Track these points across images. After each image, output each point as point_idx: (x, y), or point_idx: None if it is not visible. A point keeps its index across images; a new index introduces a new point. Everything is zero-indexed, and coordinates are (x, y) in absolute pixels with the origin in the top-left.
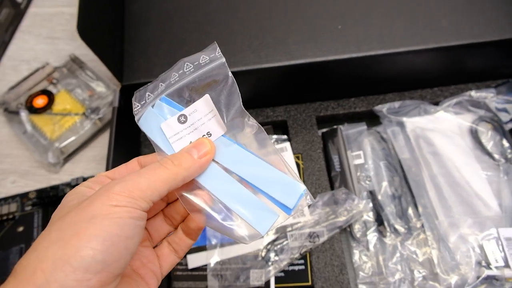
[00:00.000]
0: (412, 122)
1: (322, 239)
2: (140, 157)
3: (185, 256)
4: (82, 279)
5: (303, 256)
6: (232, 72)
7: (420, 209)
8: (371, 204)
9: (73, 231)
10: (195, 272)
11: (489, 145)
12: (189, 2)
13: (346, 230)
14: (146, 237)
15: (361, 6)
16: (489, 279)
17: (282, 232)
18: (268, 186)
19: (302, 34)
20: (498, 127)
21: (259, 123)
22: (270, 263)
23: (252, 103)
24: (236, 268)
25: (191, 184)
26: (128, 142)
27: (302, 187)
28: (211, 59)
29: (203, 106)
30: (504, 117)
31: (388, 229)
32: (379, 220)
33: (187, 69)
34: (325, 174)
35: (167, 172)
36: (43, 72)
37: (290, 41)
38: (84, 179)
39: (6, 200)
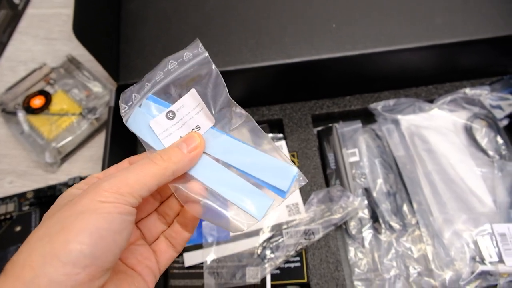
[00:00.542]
0: (407, 120)
1: (317, 236)
2: (132, 157)
3: (181, 254)
4: (71, 273)
5: (298, 253)
6: (229, 71)
7: (415, 206)
8: (366, 201)
9: (61, 226)
10: (191, 270)
11: (483, 142)
12: (185, 1)
13: (342, 227)
14: (140, 236)
15: (356, 5)
16: (483, 274)
17: (277, 230)
18: (260, 172)
19: (298, 33)
20: (493, 124)
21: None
22: (266, 261)
23: (247, 102)
24: (232, 266)
25: (185, 177)
26: (124, 141)
27: (295, 169)
28: (194, 55)
29: (190, 100)
30: (498, 114)
31: (383, 226)
32: (374, 217)
33: (172, 67)
34: (321, 172)
35: (156, 167)
36: (40, 72)
37: (285, 40)
38: (81, 179)
39: (3, 200)
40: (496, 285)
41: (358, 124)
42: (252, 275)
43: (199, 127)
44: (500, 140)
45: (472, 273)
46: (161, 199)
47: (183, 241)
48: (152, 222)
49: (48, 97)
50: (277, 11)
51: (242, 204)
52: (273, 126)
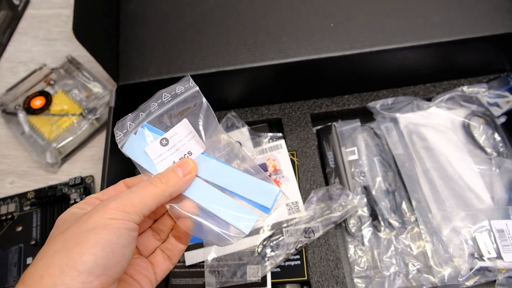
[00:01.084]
0: (405, 118)
1: (317, 235)
2: (126, 179)
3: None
4: (86, 281)
5: (298, 252)
6: (228, 71)
7: (413, 203)
8: (365, 200)
9: (76, 241)
10: (192, 269)
11: (481, 139)
12: (184, 1)
13: (341, 225)
14: (136, 251)
15: (353, 4)
16: (482, 270)
17: (277, 228)
18: (247, 191)
19: (296, 33)
20: (490, 121)
21: (254, 121)
22: (266, 259)
23: (247, 102)
24: (233, 264)
25: (178, 197)
26: None
27: (277, 189)
28: (186, 88)
29: (182, 129)
30: (495, 111)
31: (382, 223)
32: (374, 215)
33: (165, 99)
34: (320, 171)
35: (155, 189)
36: (40, 73)
37: (284, 39)
38: (82, 179)
39: (4, 200)
40: (495, 281)
41: (357, 123)
42: (252, 273)
43: (191, 153)
44: (497, 137)
45: (471, 269)
46: (155, 217)
47: (179, 253)
48: (146, 238)
49: (48, 97)
50: (276, 11)
51: (231, 219)
52: (273, 125)
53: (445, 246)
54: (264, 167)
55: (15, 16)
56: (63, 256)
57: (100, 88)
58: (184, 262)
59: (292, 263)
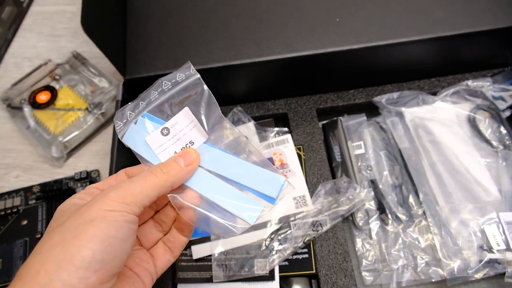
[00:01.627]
0: (411, 112)
1: (325, 228)
2: (127, 168)
3: (189, 247)
4: (83, 277)
5: (306, 245)
6: (234, 65)
7: (421, 196)
8: (372, 193)
9: (74, 234)
10: (199, 263)
11: (487, 133)
12: None
13: (349, 219)
14: (136, 242)
15: None
16: (491, 262)
17: (285, 222)
18: (251, 181)
19: (302, 27)
20: (496, 115)
21: (260, 116)
22: (274, 252)
23: (253, 96)
24: (241, 258)
25: (181, 187)
26: None
27: (282, 178)
28: (186, 76)
29: (184, 118)
30: (501, 105)
31: (390, 217)
32: (381, 209)
33: (166, 87)
34: (327, 165)
35: (156, 179)
36: (45, 68)
37: (290, 33)
38: (88, 173)
39: (10, 194)
40: (504, 273)
41: (362, 117)
42: (260, 267)
43: (193, 142)
44: (503, 130)
45: (480, 261)
46: (157, 208)
47: (181, 245)
48: (148, 229)
49: (54, 92)
50: (282, 5)
51: (235, 210)
52: (279, 120)
53: (453, 238)
54: (270, 161)
55: (20, 12)
56: (60, 251)
57: (106, 83)
58: (191, 255)
59: (300, 256)
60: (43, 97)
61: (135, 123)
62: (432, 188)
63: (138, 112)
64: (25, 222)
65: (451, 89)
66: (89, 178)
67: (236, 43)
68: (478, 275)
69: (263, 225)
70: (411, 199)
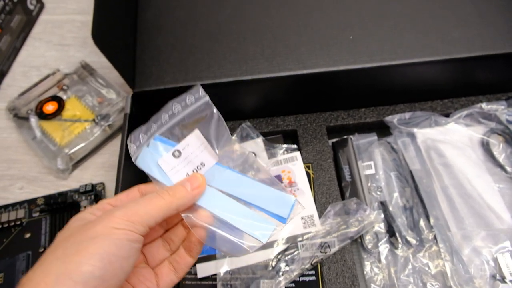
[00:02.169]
0: (423, 133)
1: (333, 250)
2: (141, 185)
3: (194, 265)
4: None
5: (314, 267)
6: (245, 81)
7: (432, 220)
8: (382, 215)
9: (76, 249)
10: (204, 282)
11: (500, 158)
12: (201, 10)
13: (357, 241)
14: (143, 260)
15: (373, 17)
16: None
17: (292, 242)
18: (262, 201)
19: (315, 44)
20: (510, 139)
21: (269, 132)
22: (280, 274)
23: (262, 112)
24: (246, 278)
25: (194, 207)
26: None
27: (292, 198)
28: (196, 98)
29: (194, 140)
30: None
31: (399, 240)
32: (391, 232)
33: (176, 110)
34: (336, 184)
35: (162, 201)
36: (53, 78)
37: (302, 50)
38: (93, 186)
39: (14, 206)
40: None
41: (373, 137)
42: None
43: (204, 164)
44: None
45: None
46: (167, 226)
47: (186, 266)
48: (155, 247)
49: (61, 103)
50: (294, 21)
51: (247, 228)
52: (288, 137)
53: (465, 266)
54: (279, 179)
55: (29, 21)
56: (61, 264)
57: (114, 94)
58: (196, 274)
59: (307, 278)
60: (50, 107)
61: (148, 146)
62: (444, 213)
63: (150, 134)
64: (28, 235)
65: (465, 111)
66: (94, 191)
67: (247, 58)
68: None
69: (269, 245)
70: (422, 223)
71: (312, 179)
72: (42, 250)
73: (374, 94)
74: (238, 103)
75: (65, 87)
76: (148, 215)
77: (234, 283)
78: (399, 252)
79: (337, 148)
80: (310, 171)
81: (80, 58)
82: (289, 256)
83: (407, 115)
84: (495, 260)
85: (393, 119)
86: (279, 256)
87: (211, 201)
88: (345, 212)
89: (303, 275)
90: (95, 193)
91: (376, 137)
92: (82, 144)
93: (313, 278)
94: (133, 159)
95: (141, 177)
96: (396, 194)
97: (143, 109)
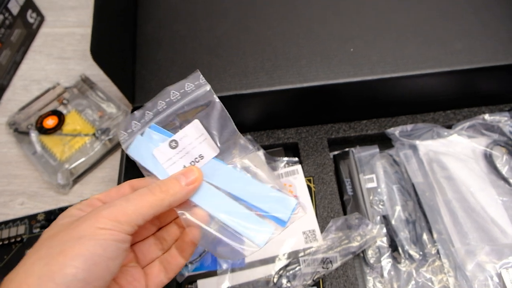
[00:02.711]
0: (425, 145)
1: (335, 265)
2: (133, 180)
3: (195, 281)
4: None
5: (316, 283)
6: (246, 94)
7: (435, 235)
8: (384, 230)
9: (60, 249)
10: None
11: (504, 170)
12: (200, 24)
13: (360, 256)
14: (133, 258)
15: (374, 29)
16: None
17: (294, 257)
18: (261, 202)
19: (315, 57)
20: None
21: (270, 145)
22: None
23: (263, 125)
24: None
25: (189, 204)
26: None
27: (294, 200)
28: (196, 86)
29: (193, 130)
30: None
31: (402, 255)
32: (393, 246)
33: (174, 97)
34: (337, 198)
35: (153, 197)
36: (53, 92)
37: (303, 63)
38: None
39: (14, 222)
40: None
41: (375, 149)
42: None
43: (202, 157)
44: None
45: None
46: (160, 225)
47: (177, 267)
48: (147, 246)
49: (61, 117)
50: (294, 34)
51: (244, 231)
52: (289, 149)
53: (469, 282)
54: None
55: (30, 34)
56: (43, 265)
57: (114, 108)
58: None
59: None
60: (50, 122)
61: (142, 134)
62: (447, 227)
63: (144, 122)
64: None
65: (467, 122)
66: None
67: (247, 71)
68: None
69: (271, 260)
70: (425, 237)
71: (313, 193)
72: None
73: (375, 106)
74: (239, 116)
75: (65, 101)
76: (136, 213)
77: None
78: (402, 267)
79: (339, 161)
80: (312, 185)
81: (80, 71)
82: (291, 272)
83: (409, 127)
84: (499, 276)
85: (395, 131)
86: (281, 272)
87: (207, 199)
88: (347, 226)
89: None
90: None
91: (377, 150)
92: (83, 159)
93: None
94: (123, 147)
95: None
96: (398, 208)
97: None
